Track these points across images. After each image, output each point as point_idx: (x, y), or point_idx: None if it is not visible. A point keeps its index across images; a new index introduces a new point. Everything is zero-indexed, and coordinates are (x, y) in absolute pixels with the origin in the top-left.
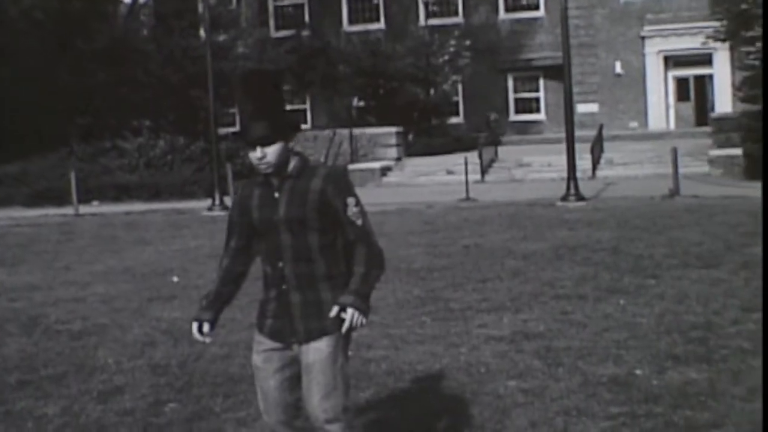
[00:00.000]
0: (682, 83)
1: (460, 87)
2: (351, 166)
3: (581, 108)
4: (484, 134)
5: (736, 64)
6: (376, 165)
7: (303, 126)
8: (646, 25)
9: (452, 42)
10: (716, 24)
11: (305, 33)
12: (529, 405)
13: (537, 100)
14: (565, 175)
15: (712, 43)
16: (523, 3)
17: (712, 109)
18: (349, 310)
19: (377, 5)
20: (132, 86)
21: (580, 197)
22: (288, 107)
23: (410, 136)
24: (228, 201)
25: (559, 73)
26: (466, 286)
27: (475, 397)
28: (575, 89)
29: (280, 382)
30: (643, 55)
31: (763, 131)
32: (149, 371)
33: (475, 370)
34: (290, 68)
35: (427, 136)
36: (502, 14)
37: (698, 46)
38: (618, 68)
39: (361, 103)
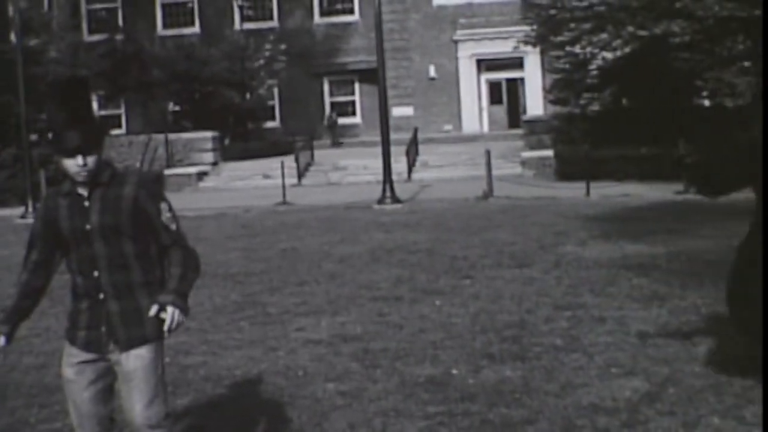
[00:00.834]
0: (494, 86)
1: (276, 91)
2: (167, 171)
3: (396, 111)
4: (331, 133)
5: (546, 68)
6: (193, 170)
7: (118, 131)
8: (459, 30)
9: (267, 46)
10: (527, 29)
11: (119, 37)
12: (348, 407)
13: (352, 103)
14: (381, 178)
15: (523, 48)
16: (338, 7)
17: (524, 111)
18: (169, 308)
19: (192, 9)
20: None
21: (396, 200)
22: (102, 113)
23: (226, 141)
24: None
25: (374, 76)
26: (283, 289)
27: (294, 400)
28: (390, 93)
29: (94, 394)
30: (457, 59)
31: (763, 132)
32: None
33: (293, 373)
34: (104, 73)
35: (243, 141)
36: (317, 18)
37: (510, 50)
38: (432, 72)
39: (177, 108)
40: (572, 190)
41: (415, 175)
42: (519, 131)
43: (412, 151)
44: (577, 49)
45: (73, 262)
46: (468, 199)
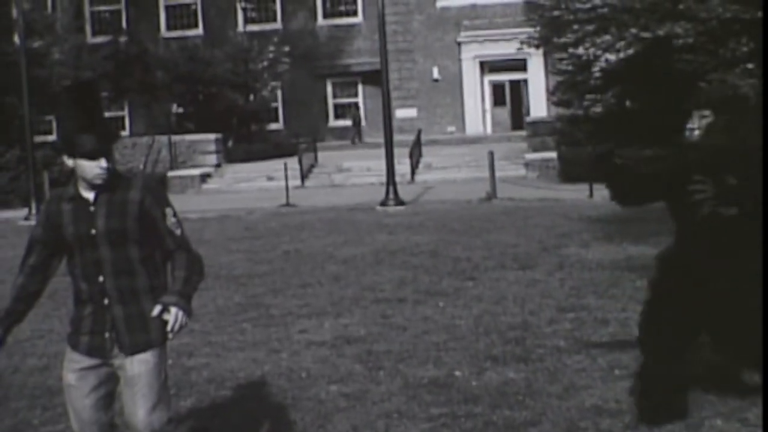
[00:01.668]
0: (498, 88)
1: (279, 93)
2: (170, 173)
3: (400, 113)
4: (352, 132)
5: (549, 70)
6: (196, 172)
7: (121, 133)
8: (462, 31)
9: (271, 48)
10: (530, 30)
11: (122, 39)
12: (351, 409)
13: (356, 105)
14: (384, 179)
15: (526, 49)
16: (341, 9)
17: (528, 113)
18: (173, 309)
19: (195, 11)
20: None
21: (399, 201)
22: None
23: (230, 143)
24: None
25: (377, 78)
26: (286, 291)
27: (297, 402)
28: (393, 94)
29: (95, 400)
30: (460, 61)
31: (763, 132)
32: None
33: (296, 375)
34: (107, 74)
35: (246, 143)
36: (321, 20)
37: (513, 52)
38: (435, 74)
39: (180, 110)
40: (576, 192)
41: (418, 177)
42: (522, 133)
43: (416, 153)
44: (580, 50)
45: (77, 267)
46: (471, 200)
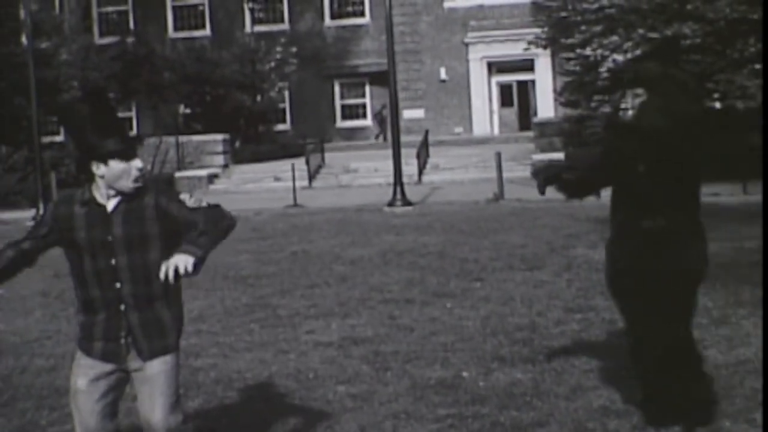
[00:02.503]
0: (505, 89)
1: (286, 94)
2: (178, 174)
3: (407, 114)
4: (378, 130)
5: (557, 70)
6: (203, 172)
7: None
8: (469, 32)
9: (278, 49)
10: (537, 31)
11: (130, 40)
12: (359, 410)
13: (363, 106)
14: (391, 180)
15: (533, 50)
16: (349, 10)
17: (535, 114)
18: (179, 255)
19: (203, 12)
20: None
21: (406, 202)
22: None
23: (237, 143)
24: None
25: (384, 79)
26: (294, 292)
27: (304, 403)
28: (401, 95)
29: (102, 407)
30: (467, 61)
31: (763, 132)
32: None
33: (303, 376)
34: (115, 75)
35: (254, 143)
36: (328, 21)
37: (520, 53)
38: (443, 74)
39: (188, 111)
40: None
41: (425, 178)
42: (530, 134)
43: (423, 154)
44: (587, 51)
45: (88, 273)
46: (478, 201)
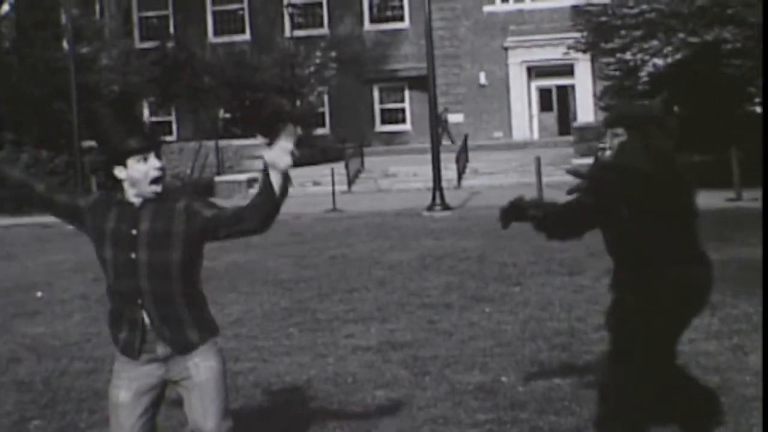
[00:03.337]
0: (545, 93)
1: (326, 98)
2: (217, 178)
3: (447, 118)
4: (441, 135)
5: (597, 75)
6: (243, 177)
7: (169, 138)
8: (509, 36)
9: (318, 53)
10: (577, 35)
11: (170, 44)
12: (397, 414)
13: (402, 110)
14: (430, 184)
15: (573, 54)
16: (388, 14)
17: (575, 118)
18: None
19: (243, 16)
20: None
21: (445, 207)
22: (153, 120)
23: None
24: None
25: (424, 83)
26: (333, 296)
27: (343, 407)
28: (440, 100)
29: (144, 423)
30: (507, 66)
31: (763, 130)
32: (13, 388)
33: (342, 380)
34: (155, 80)
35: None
36: (368, 25)
37: (560, 57)
38: (482, 79)
39: (227, 115)
40: None
41: (465, 182)
42: (569, 138)
43: (462, 158)
44: (627, 55)
45: (109, 265)
46: None
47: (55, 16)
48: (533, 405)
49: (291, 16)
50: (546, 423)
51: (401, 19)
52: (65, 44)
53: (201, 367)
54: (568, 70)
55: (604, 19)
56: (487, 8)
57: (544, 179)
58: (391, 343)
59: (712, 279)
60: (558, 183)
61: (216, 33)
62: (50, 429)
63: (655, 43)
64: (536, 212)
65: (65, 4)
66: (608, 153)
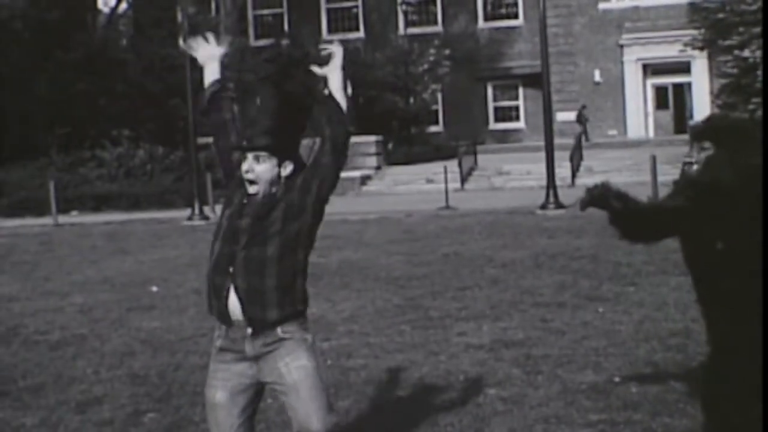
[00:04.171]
0: (660, 91)
1: (439, 96)
2: None
3: (560, 116)
4: (579, 131)
5: (714, 72)
6: (356, 174)
7: None
8: (624, 34)
9: (432, 51)
10: (694, 32)
11: (284, 42)
12: (509, 413)
13: (516, 108)
14: (544, 183)
15: (690, 51)
16: (502, 12)
17: (691, 116)
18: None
19: (356, 14)
20: (111, 96)
21: (559, 205)
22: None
23: (390, 145)
24: (207, 211)
25: (538, 81)
26: (445, 294)
27: (454, 405)
28: (554, 97)
29: (242, 422)
30: (622, 63)
31: (763, 129)
32: (128, 381)
33: (454, 378)
34: (269, 77)
35: (406, 145)
36: (481, 23)
37: (676, 54)
38: (597, 76)
39: None
40: None
41: (578, 181)
42: (685, 137)
43: (576, 156)
44: (746, 53)
45: (214, 252)
46: None
47: (171, 14)
48: (647, 406)
49: (405, 13)
50: (660, 425)
51: (515, 16)
52: (181, 42)
53: (292, 367)
54: (684, 68)
55: (721, 15)
56: (602, 5)
57: (660, 178)
58: (503, 341)
59: None
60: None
61: (330, 30)
62: (164, 422)
63: None
64: (617, 204)
65: (181, 2)
66: (695, 167)
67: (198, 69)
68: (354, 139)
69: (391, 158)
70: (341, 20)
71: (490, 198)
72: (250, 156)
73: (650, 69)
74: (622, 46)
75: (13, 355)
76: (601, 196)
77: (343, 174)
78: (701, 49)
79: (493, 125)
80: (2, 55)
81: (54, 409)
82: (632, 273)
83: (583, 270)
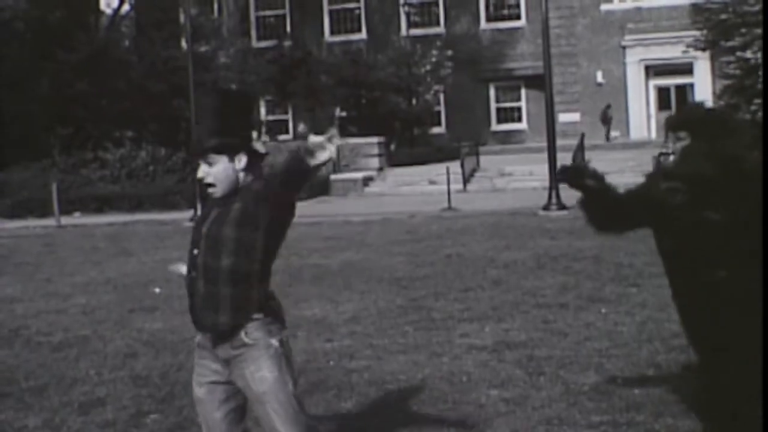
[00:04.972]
0: (663, 92)
1: (442, 97)
2: (333, 176)
3: (563, 117)
4: (606, 128)
5: (716, 73)
6: (359, 175)
7: (285, 137)
8: (626, 35)
9: (434, 52)
10: (696, 33)
11: (287, 43)
12: (511, 414)
13: (518, 109)
14: (546, 184)
15: (692, 53)
16: (505, 13)
17: None
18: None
19: (359, 15)
20: (113, 97)
21: (562, 206)
22: (269, 118)
23: (392, 146)
24: None
25: (540, 82)
26: (448, 295)
27: (457, 406)
28: (557, 98)
29: (225, 413)
30: (624, 64)
31: (763, 129)
32: (131, 382)
33: (457, 379)
34: (272, 79)
35: (409, 146)
36: (484, 24)
37: (679, 56)
38: (599, 77)
39: (343, 114)
40: None
41: None
42: None
43: (579, 157)
44: (748, 54)
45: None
46: None
47: (173, 15)
48: (650, 407)
49: (407, 14)
50: (663, 426)
51: (518, 17)
52: (184, 43)
53: (256, 377)
54: (687, 69)
55: (724, 16)
56: (604, 6)
57: None
58: (506, 342)
59: None
60: None
61: (332, 32)
62: (167, 423)
63: None
64: (592, 183)
65: (184, 3)
66: (671, 158)
67: (199, 70)
68: (356, 140)
69: (393, 159)
70: (343, 21)
71: (493, 199)
72: (202, 162)
73: (653, 70)
74: (624, 48)
75: (16, 357)
76: (576, 174)
77: (346, 175)
78: (704, 50)
79: (496, 126)
80: (4, 55)
81: (56, 411)
82: (635, 274)
83: (585, 271)
